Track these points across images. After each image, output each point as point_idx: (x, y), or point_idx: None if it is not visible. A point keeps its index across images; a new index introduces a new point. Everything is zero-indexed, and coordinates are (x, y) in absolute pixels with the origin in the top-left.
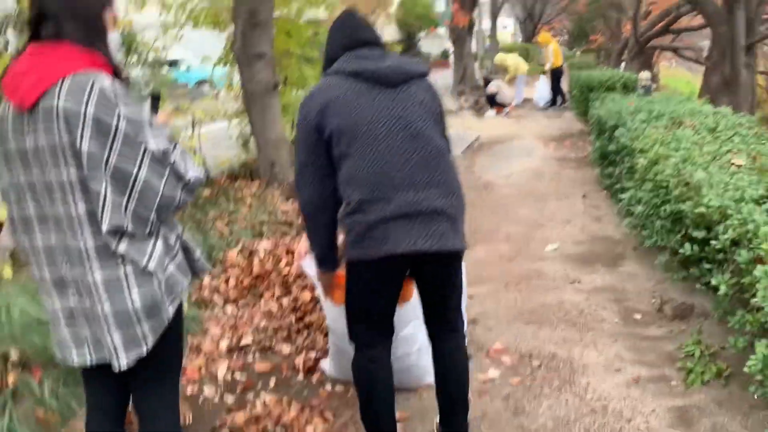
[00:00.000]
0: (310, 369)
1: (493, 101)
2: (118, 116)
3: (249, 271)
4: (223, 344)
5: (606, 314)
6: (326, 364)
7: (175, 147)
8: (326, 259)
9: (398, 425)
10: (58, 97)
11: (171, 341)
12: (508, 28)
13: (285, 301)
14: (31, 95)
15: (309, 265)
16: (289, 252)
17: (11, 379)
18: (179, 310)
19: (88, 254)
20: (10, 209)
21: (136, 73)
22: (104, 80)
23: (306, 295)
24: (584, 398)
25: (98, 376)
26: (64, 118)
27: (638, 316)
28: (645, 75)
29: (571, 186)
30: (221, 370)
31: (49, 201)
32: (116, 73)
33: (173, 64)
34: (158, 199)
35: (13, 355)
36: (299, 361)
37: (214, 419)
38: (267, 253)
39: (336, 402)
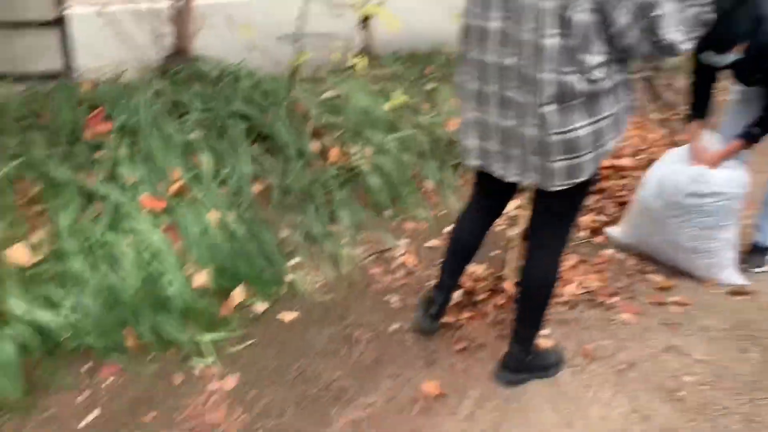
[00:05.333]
0: (595, 231)
1: None
2: None
3: None
4: None
5: None
6: (614, 231)
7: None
8: None
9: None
10: None
11: (589, 182)
12: None
13: None
14: None
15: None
16: None
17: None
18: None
19: (541, 84)
20: (469, 17)
21: None
22: None
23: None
24: None
25: (496, 181)
26: None
27: None
28: None
29: None
30: None
31: (515, 24)
32: None
33: None
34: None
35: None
36: (586, 220)
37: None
38: None
39: (614, 266)
